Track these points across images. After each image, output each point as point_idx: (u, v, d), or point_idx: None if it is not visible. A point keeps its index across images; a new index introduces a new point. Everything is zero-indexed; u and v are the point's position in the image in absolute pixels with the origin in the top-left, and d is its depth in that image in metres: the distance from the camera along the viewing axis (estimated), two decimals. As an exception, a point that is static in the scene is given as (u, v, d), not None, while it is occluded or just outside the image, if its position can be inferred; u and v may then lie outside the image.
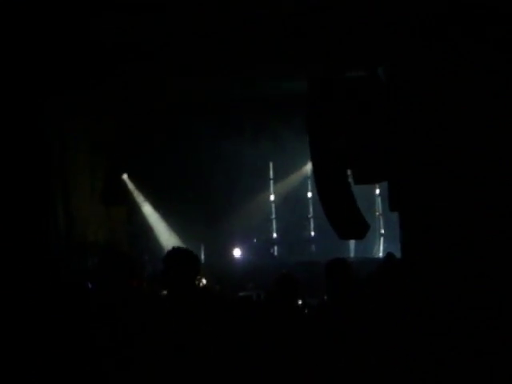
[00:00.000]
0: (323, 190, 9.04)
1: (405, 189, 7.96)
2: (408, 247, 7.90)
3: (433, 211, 7.43)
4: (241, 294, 9.11)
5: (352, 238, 14.23)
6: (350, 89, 8.61)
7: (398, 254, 7.77)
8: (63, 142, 15.73)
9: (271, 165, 19.20)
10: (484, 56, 7.08)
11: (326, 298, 7.82)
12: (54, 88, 11.53)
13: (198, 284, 11.28)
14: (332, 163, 8.81)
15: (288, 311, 6.61)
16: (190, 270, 5.79)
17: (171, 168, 17.75)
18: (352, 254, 17.67)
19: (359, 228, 9.08)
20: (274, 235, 19.49)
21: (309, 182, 18.42)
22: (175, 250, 5.97)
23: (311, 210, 18.91)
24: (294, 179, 19.12)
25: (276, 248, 19.35)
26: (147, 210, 18.80)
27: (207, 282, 12.59)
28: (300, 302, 7.43)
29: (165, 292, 6.31)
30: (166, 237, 18.14)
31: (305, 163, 17.93)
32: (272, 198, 19.48)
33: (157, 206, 18.70)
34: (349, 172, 8.79)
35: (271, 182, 19.40)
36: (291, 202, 19.11)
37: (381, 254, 17.59)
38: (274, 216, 19.53)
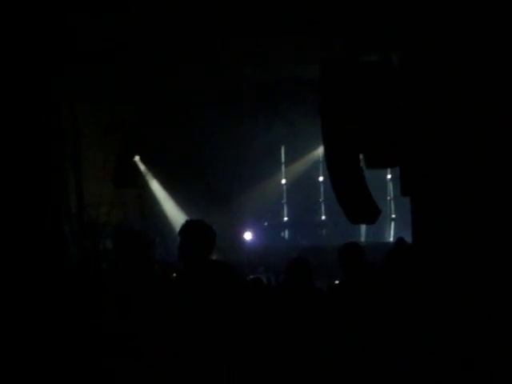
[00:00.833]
0: (335, 174, 9.03)
1: (417, 174, 7.94)
2: (419, 232, 7.89)
3: (444, 197, 7.42)
4: (251, 276, 9.13)
5: (363, 223, 14.22)
6: (363, 73, 8.60)
7: (408, 239, 7.77)
8: (76, 125, 15.77)
9: (283, 148, 19.20)
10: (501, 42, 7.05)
11: (335, 282, 7.85)
12: (65, 65, 11.53)
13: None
14: (344, 147, 8.80)
15: (301, 294, 6.62)
16: (205, 242, 5.76)
17: (184, 151, 17.77)
18: (363, 239, 17.68)
19: (370, 213, 9.07)
20: (285, 219, 19.52)
21: (320, 166, 18.41)
22: (191, 222, 5.94)
23: (322, 194, 18.93)
24: (305, 163, 19.11)
25: (287, 232, 19.38)
26: (159, 192, 18.85)
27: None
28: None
29: (175, 275, 6.28)
30: (178, 219, 18.17)
31: (316, 147, 17.92)
32: (283, 181, 19.49)
33: (168, 189, 18.74)
34: (361, 156, 8.78)
35: (283, 165, 19.41)
36: (302, 186, 19.11)
37: (391, 239, 17.61)
38: (285, 200, 19.55)
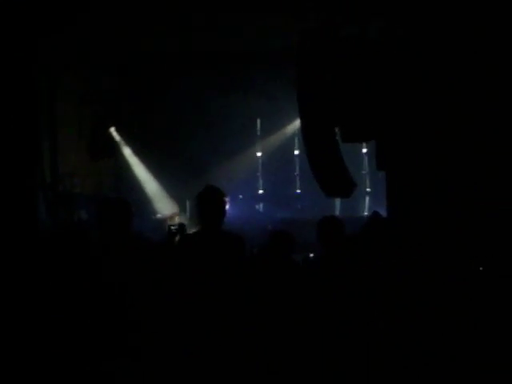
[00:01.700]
0: (311, 148, 9.05)
1: (392, 148, 7.98)
2: (393, 206, 7.95)
3: (419, 171, 7.46)
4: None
5: (339, 196, 14.25)
6: (340, 46, 8.59)
7: (383, 213, 7.81)
8: (52, 92, 15.66)
9: (259, 121, 19.15)
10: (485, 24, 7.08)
11: (310, 255, 7.88)
12: (44, 28, 11.42)
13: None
14: (320, 121, 8.81)
15: (281, 266, 6.65)
16: (223, 207, 5.89)
17: (159, 122, 17.75)
18: (338, 212, 17.71)
19: (346, 186, 9.10)
20: (260, 192, 19.51)
21: (296, 140, 18.40)
22: (210, 188, 6.04)
23: (298, 167, 18.92)
24: (281, 136, 19.10)
25: (262, 204, 19.38)
26: (134, 163, 18.78)
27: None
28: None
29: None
30: (153, 190, 18.14)
31: (293, 120, 17.90)
32: (259, 154, 19.47)
33: (144, 160, 18.67)
34: (337, 130, 8.79)
35: (258, 138, 19.38)
36: (278, 159, 19.10)
37: (366, 213, 17.66)
38: (260, 173, 19.54)
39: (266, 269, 6.60)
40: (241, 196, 19.02)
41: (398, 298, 6.17)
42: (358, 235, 6.97)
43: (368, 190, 18.21)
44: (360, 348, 6.04)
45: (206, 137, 17.86)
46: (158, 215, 17.19)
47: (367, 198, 18.26)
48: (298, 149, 18.41)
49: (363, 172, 18.11)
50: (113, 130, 18.48)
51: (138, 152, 18.73)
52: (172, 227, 7.35)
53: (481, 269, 6.61)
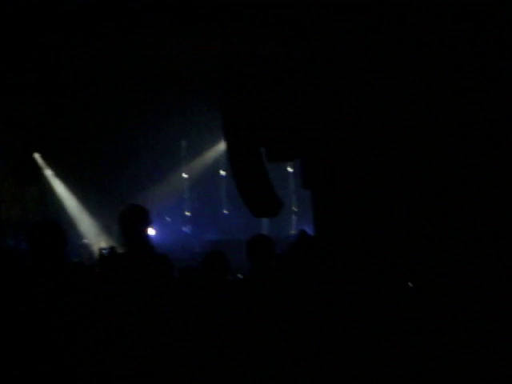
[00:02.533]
0: (237, 169, 9.06)
1: (316, 168, 8.03)
2: (320, 224, 8.00)
3: (344, 189, 7.53)
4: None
5: (266, 217, 14.31)
6: (263, 67, 8.64)
7: (310, 231, 7.85)
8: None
9: (184, 143, 19.14)
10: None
11: (239, 276, 7.87)
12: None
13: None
14: (245, 141, 8.84)
15: (215, 285, 6.64)
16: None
17: (83, 147, 17.59)
18: (265, 232, 17.76)
19: (273, 206, 9.13)
20: (187, 213, 19.47)
21: (222, 161, 18.43)
22: (131, 206, 6.00)
23: (225, 188, 18.95)
24: (207, 158, 19.12)
25: (190, 227, 19.33)
26: (59, 188, 18.59)
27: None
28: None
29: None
30: (80, 216, 17.96)
31: (218, 142, 17.93)
32: (185, 176, 19.44)
33: (69, 186, 18.50)
34: (262, 150, 8.82)
35: (184, 160, 19.35)
36: (205, 181, 19.11)
37: (293, 232, 17.74)
38: (187, 195, 19.51)
39: (199, 289, 6.58)
40: (168, 218, 18.95)
41: (328, 313, 6.22)
42: (286, 254, 7.01)
43: (295, 209, 18.31)
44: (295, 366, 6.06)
45: (132, 161, 17.77)
46: (84, 240, 17.03)
47: (294, 217, 18.37)
48: (224, 170, 18.45)
49: (289, 191, 18.21)
50: (37, 156, 18.29)
51: (62, 178, 18.54)
52: (103, 251, 7.30)
53: (410, 284, 6.70)
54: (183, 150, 19.24)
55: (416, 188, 7.21)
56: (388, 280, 6.71)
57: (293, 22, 8.51)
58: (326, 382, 6.04)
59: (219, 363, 6.12)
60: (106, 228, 16.97)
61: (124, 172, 17.84)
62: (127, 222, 5.97)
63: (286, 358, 6.12)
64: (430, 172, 7.19)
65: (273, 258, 6.80)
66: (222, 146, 17.29)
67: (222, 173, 18.84)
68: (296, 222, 18.27)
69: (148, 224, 6.06)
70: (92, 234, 17.30)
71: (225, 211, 19.21)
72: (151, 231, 17.26)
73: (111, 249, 7.44)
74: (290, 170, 18.08)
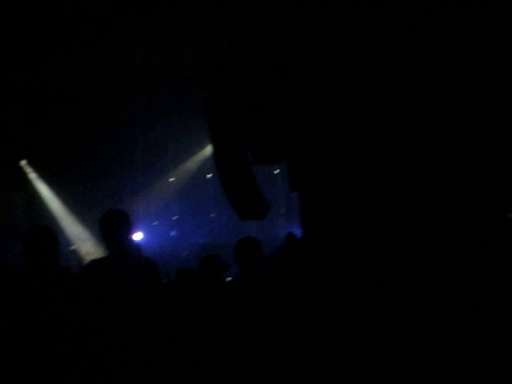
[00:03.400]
0: (223, 172, 9.04)
1: (304, 169, 8.03)
2: (307, 225, 7.99)
3: (332, 191, 7.53)
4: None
5: (253, 219, 14.28)
6: (248, 67, 8.62)
7: (298, 232, 7.86)
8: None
9: (170, 147, 19.13)
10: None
11: (228, 278, 7.88)
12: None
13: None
14: (231, 144, 8.82)
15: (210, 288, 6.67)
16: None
17: (71, 153, 17.57)
18: (254, 234, 17.76)
19: (260, 209, 9.11)
20: (175, 217, 19.47)
21: (209, 164, 18.42)
22: (111, 211, 6.00)
23: (212, 191, 18.95)
24: (193, 161, 19.13)
25: (177, 230, 19.34)
26: (46, 195, 18.56)
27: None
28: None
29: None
30: (68, 222, 17.93)
31: (204, 145, 17.95)
32: (172, 179, 19.44)
33: (56, 192, 18.48)
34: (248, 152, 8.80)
35: (171, 164, 19.35)
36: (192, 184, 19.12)
37: (282, 234, 17.74)
38: (174, 199, 19.51)
39: (193, 291, 6.61)
40: (156, 223, 18.95)
41: (318, 315, 6.23)
42: (274, 256, 7.02)
43: (283, 210, 18.33)
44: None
45: (119, 166, 17.75)
46: (72, 246, 16.99)
47: (282, 219, 18.38)
48: (211, 172, 18.44)
49: (277, 192, 18.22)
50: (24, 163, 18.29)
51: (49, 184, 18.52)
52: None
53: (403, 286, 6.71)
54: (170, 155, 19.24)
55: (407, 189, 7.22)
56: (379, 282, 6.72)
57: (277, 21, 8.50)
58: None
59: (210, 367, 6.13)
60: (93, 234, 16.94)
61: (111, 177, 17.82)
62: (107, 226, 5.98)
63: (277, 361, 6.13)
64: (422, 174, 7.20)
65: (260, 260, 6.82)
66: (208, 149, 17.32)
67: (209, 176, 18.83)
68: (284, 223, 18.28)
69: (129, 227, 6.07)
70: (80, 240, 17.28)
71: (212, 214, 19.21)
72: (138, 235, 17.28)
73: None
74: (276, 171, 18.08)
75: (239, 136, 8.72)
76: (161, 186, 19.14)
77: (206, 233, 18.82)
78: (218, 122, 8.84)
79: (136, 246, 6.26)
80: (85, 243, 16.82)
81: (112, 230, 5.98)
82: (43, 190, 18.56)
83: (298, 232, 7.97)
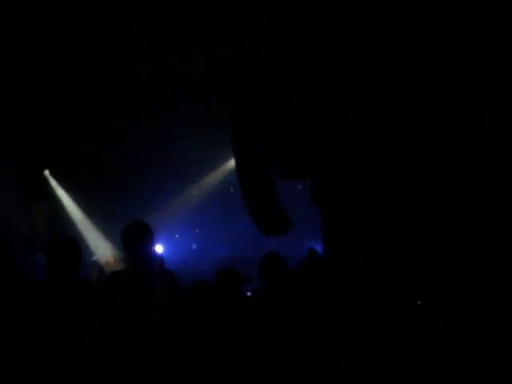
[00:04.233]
0: (245, 186, 9.02)
1: (327, 184, 8.01)
2: (329, 242, 7.96)
3: (354, 208, 7.51)
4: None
5: (274, 235, 14.20)
6: (271, 83, 8.61)
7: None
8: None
9: (194, 161, 19.16)
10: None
11: (248, 293, 7.86)
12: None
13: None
14: (255, 159, 8.80)
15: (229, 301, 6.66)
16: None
17: (95, 165, 17.65)
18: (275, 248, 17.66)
19: (282, 225, 9.07)
20: (197, 231, 19.47)
21: (232, 178, 18.42)
22: (134, 222, 6.01)
23: (234, 205, 18.91)
24: (216, 175, 19.15)
25: (198, 243, 19.33)
26: (70, 206, 18.65)
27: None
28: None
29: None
30: (89, 233, 17.98)
31: (227, 159, 17.97)
32: (194, 193, 19.46)
33: (79, 202, 18.56)
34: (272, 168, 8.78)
35: (194, 177, 19.38)
36: (215, 198, 19.12)
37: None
38: (196, 212, 19.51)
39: (210, 304, 6.59)
40: (177, 236, 18.96)
41: (340, 331, 6.19)
42: (297, 271, 7.00)
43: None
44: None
45: (142, 179, 17.81)
46: (94, 257, 17.03)
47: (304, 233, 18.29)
48: (233, 186, 18.44)
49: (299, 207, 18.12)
50: (47, 173, 18.39)
51: (72, 194, 18.61)
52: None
53: (419, 303, 6.67)
54: (194, 169, 19.27)
55: (428, 204, 7.18)
56: (399, 297, 6.68)
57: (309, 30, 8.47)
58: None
59: (228, 379, 6.12)
60: (115, 245, 16.98)
61: (134, 189, 17.88)
62: (129, 238, 5.99)
63: (297, 374, 6.11)
64: (443, 186, 7.16)
65: (285, 276, 6.81)
66: (231, 163, 17.33)
67: (232, 190, 18.82)
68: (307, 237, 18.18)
69: (151, 239, 6.08)
70: (101, 250, 17.32)
71: (234, 228, 19.18)
72: (158, 248, 17.29)
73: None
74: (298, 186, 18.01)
75: (263, 150, 8.70)
76: (183, 200, 19.17)
77: (229, 246, 18.79)
78: (241, 135, 8.83)
79: (159, 259, 6.28)
80: (106, 254, 16.87)
81: (135, 241, 5.99)
82: (65, 199, 18.66)
83: (319, 247, 7.93)
